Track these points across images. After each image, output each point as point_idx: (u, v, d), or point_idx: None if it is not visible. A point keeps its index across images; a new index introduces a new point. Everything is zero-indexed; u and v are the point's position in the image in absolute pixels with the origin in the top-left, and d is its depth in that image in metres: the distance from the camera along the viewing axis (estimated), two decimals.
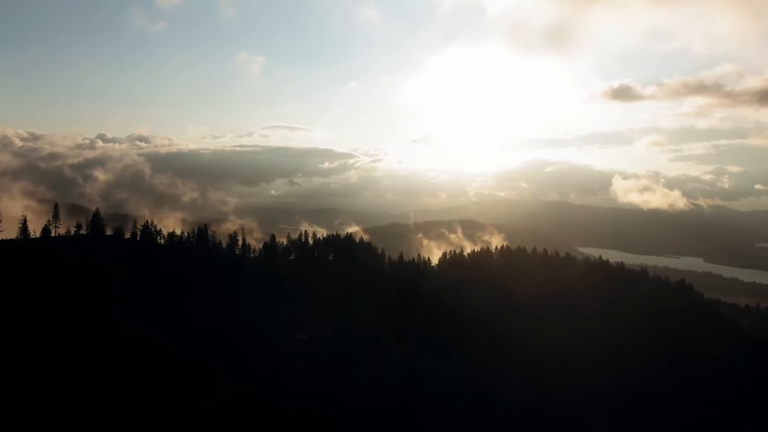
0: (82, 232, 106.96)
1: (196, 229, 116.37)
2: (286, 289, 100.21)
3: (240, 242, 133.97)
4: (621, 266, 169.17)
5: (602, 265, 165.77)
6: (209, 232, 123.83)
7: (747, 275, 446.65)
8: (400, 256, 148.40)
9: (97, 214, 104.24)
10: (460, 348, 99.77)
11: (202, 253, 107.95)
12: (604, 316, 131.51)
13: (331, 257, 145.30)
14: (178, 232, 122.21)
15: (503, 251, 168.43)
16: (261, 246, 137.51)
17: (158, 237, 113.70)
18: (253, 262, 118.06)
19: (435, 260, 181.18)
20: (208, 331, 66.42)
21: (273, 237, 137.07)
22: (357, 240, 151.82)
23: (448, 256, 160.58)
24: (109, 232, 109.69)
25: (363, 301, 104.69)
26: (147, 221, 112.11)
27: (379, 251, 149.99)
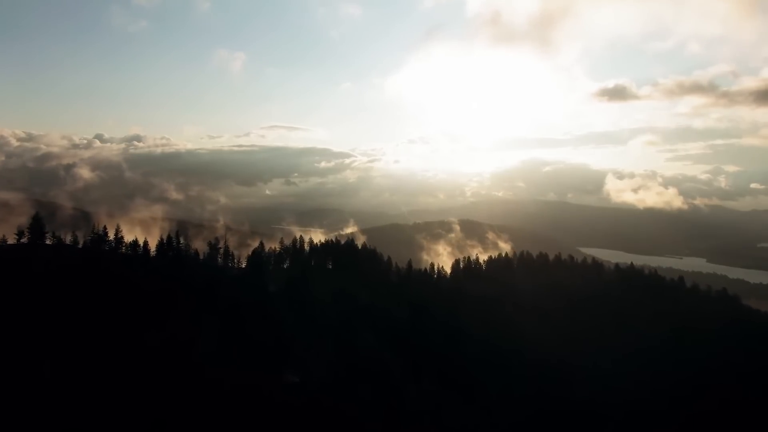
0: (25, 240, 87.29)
1: (165, 237, 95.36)
2: (274, 312, 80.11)
3: (222, 250, 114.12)
4: (655, 274, 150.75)
5: (635, 272, 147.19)
6: (184, 240, 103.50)
7: (752, 276, 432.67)
8: (409, 265, 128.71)
9: (37, 218, 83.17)
10: (490, 386, 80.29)
11: (170, 268, 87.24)
12: (648, 334, 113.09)
13: (330, 266, 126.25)
14: (156, 236, 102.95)
15: (523, 258, 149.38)
16: (250, 253, 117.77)
17: (119, 245, 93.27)
18: (236, 276, 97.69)
19: (441, 262, 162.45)
20: (158, 380, 46.29)
21: (261, 244, 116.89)
22: (359, 246, 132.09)
23: (461, 265, 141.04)
24: (69, 237, 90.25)
25: (368, 325, 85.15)
26: (104, 226, 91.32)
27: (385, 258, 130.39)
